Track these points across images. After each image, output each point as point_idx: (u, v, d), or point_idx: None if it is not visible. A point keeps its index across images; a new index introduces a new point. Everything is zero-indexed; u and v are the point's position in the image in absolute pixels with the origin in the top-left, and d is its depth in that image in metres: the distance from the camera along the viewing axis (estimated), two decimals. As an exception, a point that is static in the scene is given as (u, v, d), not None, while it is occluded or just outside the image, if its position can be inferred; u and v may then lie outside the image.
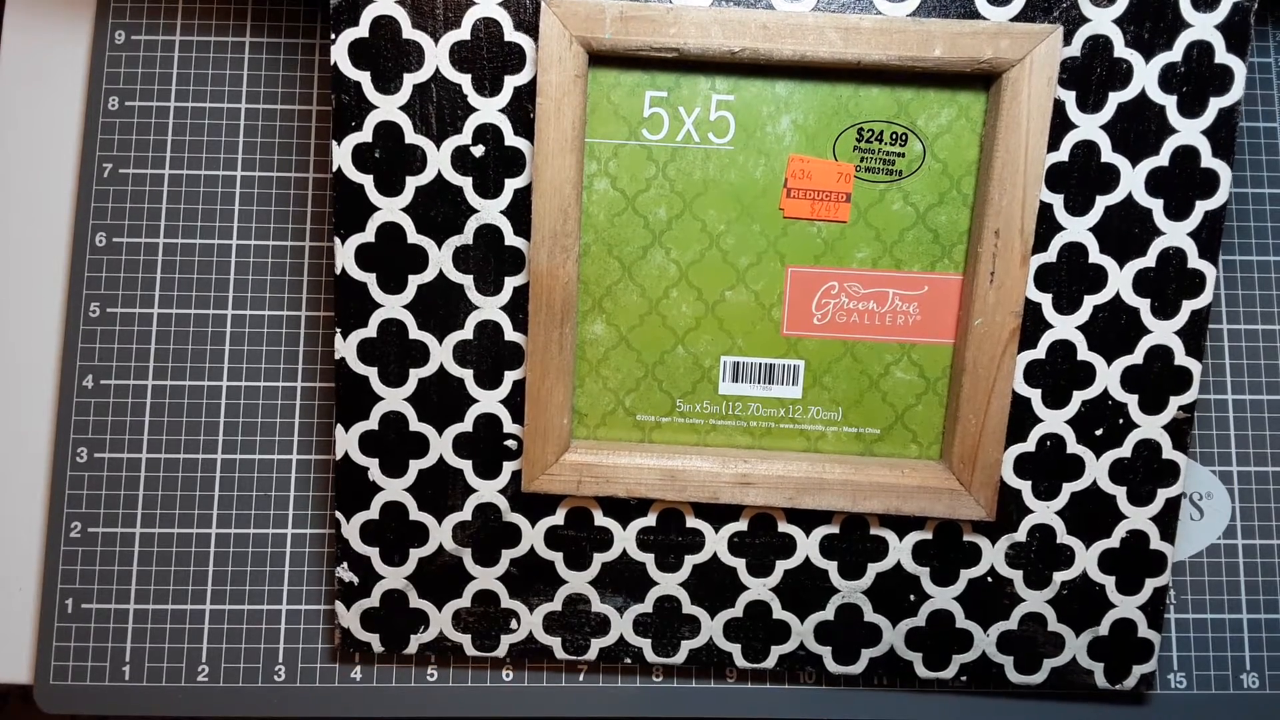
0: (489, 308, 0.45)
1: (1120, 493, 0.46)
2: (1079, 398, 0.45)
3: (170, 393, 0.50)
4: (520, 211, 0.44)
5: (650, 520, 0.46)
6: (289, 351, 0.50)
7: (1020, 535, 0.46)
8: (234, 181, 0.50)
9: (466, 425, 0.45)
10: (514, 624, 0.47)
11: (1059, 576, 0.46)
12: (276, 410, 0.50)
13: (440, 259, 0.44)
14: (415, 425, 0.45)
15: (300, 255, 0.50)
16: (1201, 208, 0.44)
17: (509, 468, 0.46)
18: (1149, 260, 0.44)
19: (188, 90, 0.51)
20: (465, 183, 0.44)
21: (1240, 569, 0.50)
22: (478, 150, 0.44)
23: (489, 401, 0.45)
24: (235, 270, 0.50)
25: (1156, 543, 0.46)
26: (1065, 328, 0.45)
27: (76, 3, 0.51)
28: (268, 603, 0.49)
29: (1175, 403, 0.45)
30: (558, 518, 0.46)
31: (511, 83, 0.43)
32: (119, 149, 0.50)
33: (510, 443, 0.46)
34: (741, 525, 0.46)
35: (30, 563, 0.50)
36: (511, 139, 0.44)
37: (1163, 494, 0.45)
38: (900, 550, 0.46)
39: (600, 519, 0.46)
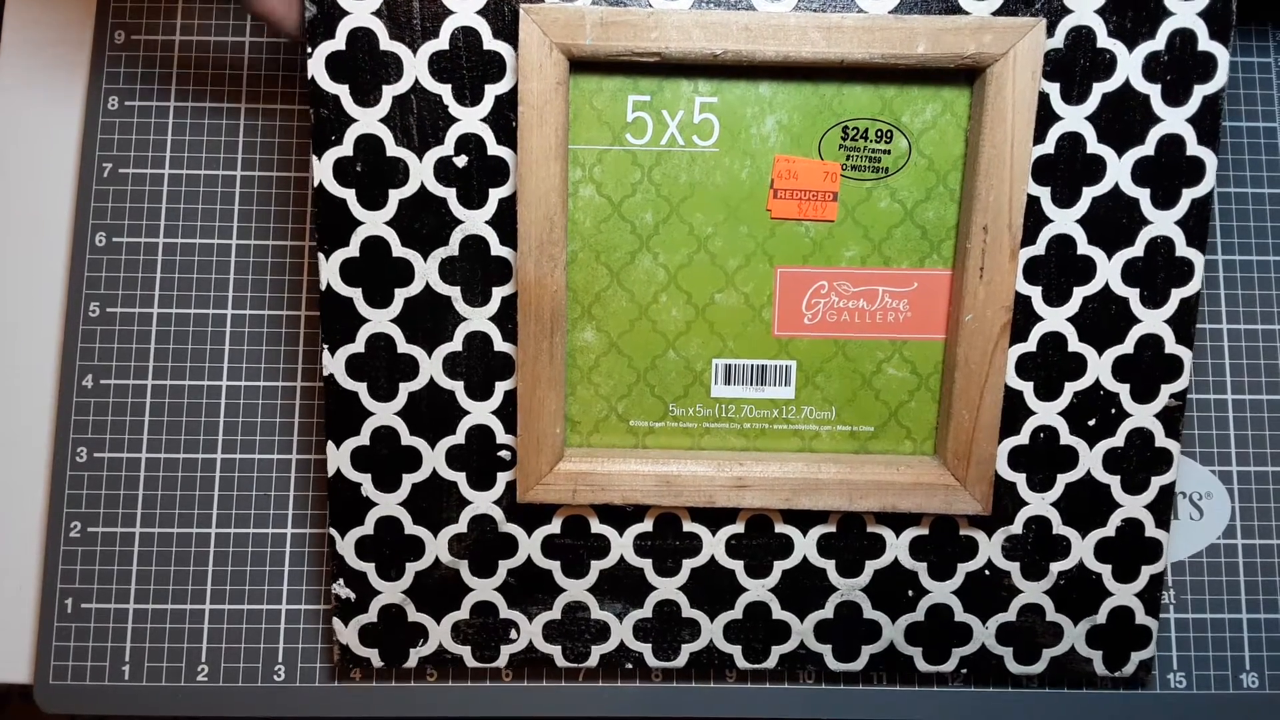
0: (477, 319, 0.44)
1: (1114, 482, 0.46)
2: (1071, 389, 0.45)
3: (170, 393, 0.50)
4: (506, 221, 0.43)
5: (647, 526, 0.46)
6: (289, 351, 0.50)
7: (1016, 528, 0.46)
8: (234, 181, 0.50)
9: (459, 437, 0.45)
10: (513, 634, 0.47)
11: (1056, 567, 0.46)
12: (276, 410, 0.50)
13: (426, 271, 0.44)
14: (407, 439, 0.45)
15: (300, 255, 0.50)
16: (1188, 196, 0.44)
17: (503, 478, 0.45)
18: (1137, 250, 0.44)
19: (187, 90, 0.50)
20: (449, 194, 0.43)
21: (1240, 569, 0.50)
22: (460, 161, 0.43)
23: (481, 413, 0.45)
24: (235, 270, 0.50)
25: (1152, 530, 0.46)
26: (1056, 320, 0.44)
27: (76, 3, 0.51)
28: (267, 603, 0.49)
29: (1166, 391, 0.45)
30: (554, 527, 0.46)
31: (492, 91, 0.43)
32: (119, 149, 0.50)
33: (503, 453, 0.45)
34: (738, 527, 0.46)
35: (30, 563, 0.50)
36: (494, 148, 0.43)
37: (1156, 482, 0.46)
38: (897, 547, 0.46)
39: (597, 526, 0.46)
